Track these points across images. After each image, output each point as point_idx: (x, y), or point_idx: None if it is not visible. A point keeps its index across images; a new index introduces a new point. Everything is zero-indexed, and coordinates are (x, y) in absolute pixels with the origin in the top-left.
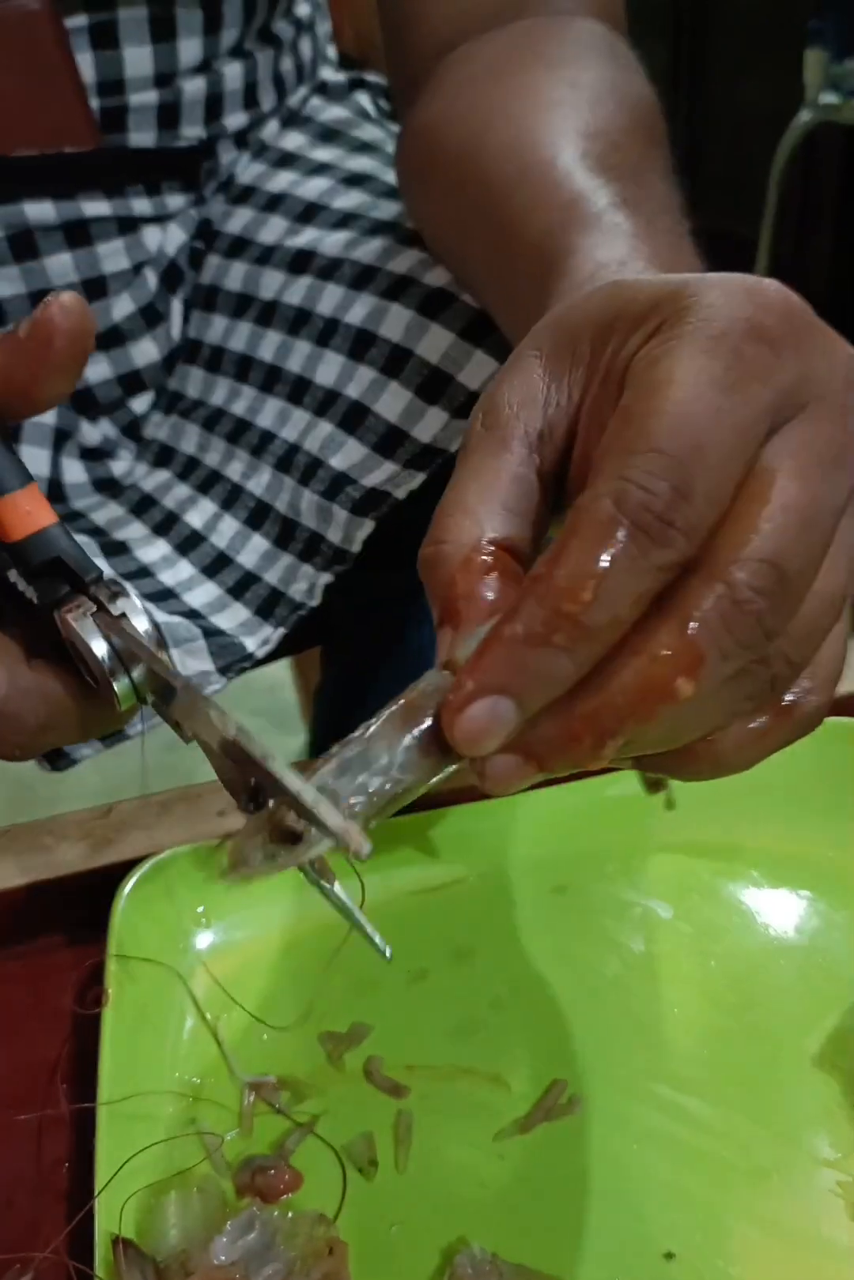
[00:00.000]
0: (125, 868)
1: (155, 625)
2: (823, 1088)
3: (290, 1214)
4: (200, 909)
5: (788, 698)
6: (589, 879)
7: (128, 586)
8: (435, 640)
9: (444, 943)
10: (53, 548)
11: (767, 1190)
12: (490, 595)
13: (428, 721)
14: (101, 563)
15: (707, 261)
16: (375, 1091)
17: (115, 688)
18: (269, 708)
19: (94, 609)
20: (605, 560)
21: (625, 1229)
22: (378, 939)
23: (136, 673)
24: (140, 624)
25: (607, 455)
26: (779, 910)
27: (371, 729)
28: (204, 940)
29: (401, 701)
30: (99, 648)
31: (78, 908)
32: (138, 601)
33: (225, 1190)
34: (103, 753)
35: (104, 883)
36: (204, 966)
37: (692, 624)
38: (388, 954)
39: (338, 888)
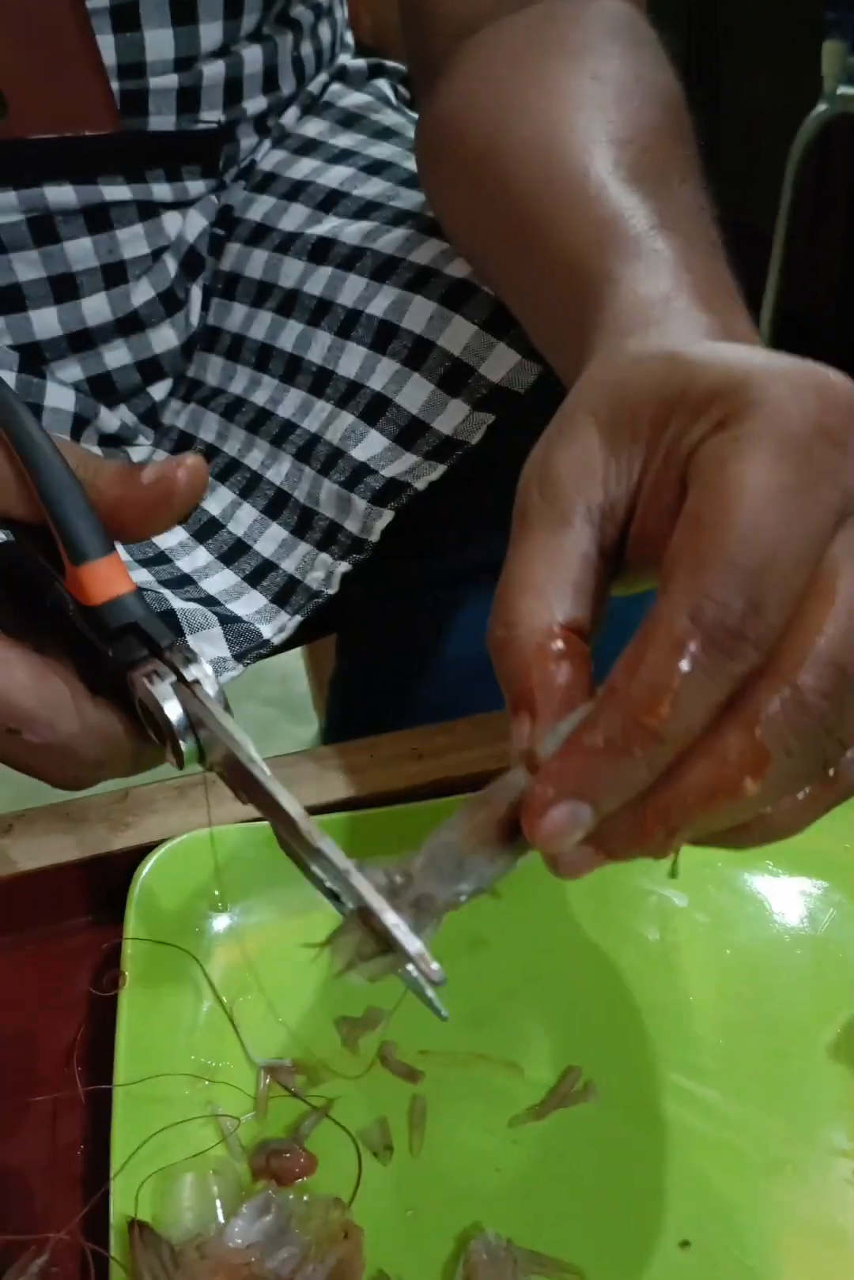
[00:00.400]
0: (142, 851)
1: (222, 692)
2: (838, 1079)
3: (305, 1198)
4: (217, 892)
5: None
6: (605, 868)
7: (200, 654)
8: (448, 633)
9: (459, 931)
10: (129, 614)
11: (782, 1181)
12: (564, 683)
13: (506, 815)
14: (119, 549)
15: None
16: (390, 1076)
17: (183, 748)
18: (282, 697)
19: (171, 676)
20: (682, 674)
21: (640, 1217)
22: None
23: (202, 735)
24: (211, 690)
25: (679, 564)
26: (795, 901)
27: (455, 829)
28: (220, 924)
29: (484, 801)
30: (173, 711)
31: (95, 891)
32: (209, 668)
33: (241, 1173)
34: None
35: (121, 866)
36: (220, 950)
37: (759, 727)
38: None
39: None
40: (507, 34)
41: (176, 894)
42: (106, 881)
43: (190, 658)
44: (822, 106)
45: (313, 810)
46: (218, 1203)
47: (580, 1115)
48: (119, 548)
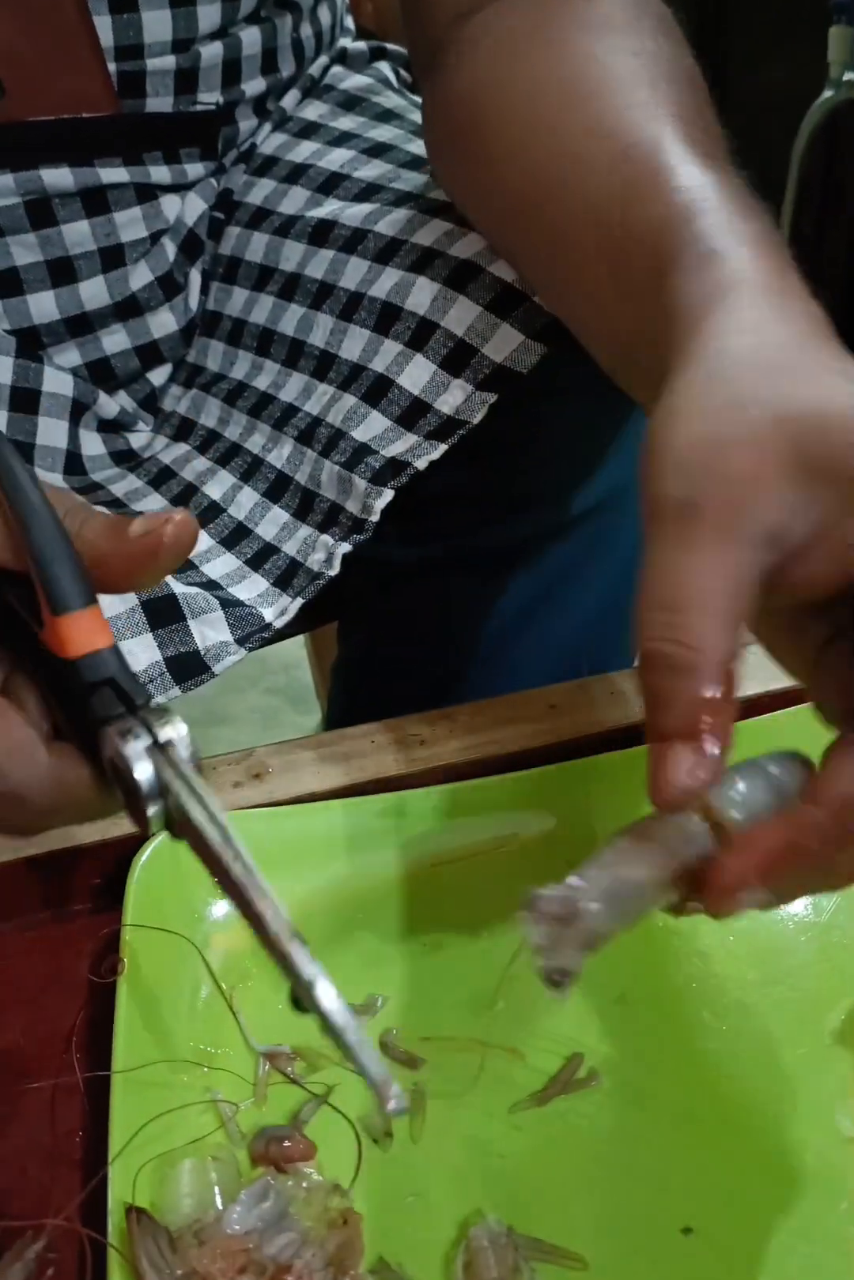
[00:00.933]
0: (142, 839)
1: (196, 754)
2: (843, 1064)
3: (305, 1184)
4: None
5: None
6: None
7: (174, 714)
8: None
9: (461, 915)
10: (106, 668)
11: (784, 1167)
12: (728, 723)
13: (691, 868)
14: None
15: None
16: (391, 1063)
17: (148, 813)
18: (286, 686)
19: (145, 737)
20: None
21: (643, 1203)
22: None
23: (171, 802)
24: (185, 753)
25: None
26: None
27: (635, 867)
28: (219, 910)
29: (661, 844)
30: (143, 773)
31: (94, 879)
32: (184, 729)
33: (240, 1159)
34: None
35: (121, 854)
36: (220, 936)
37: None
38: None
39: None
40: (522, 12)
41: (175, 881)
42: (106, 868)
43: (165, 718)
44: (828, 92)
45: (313, 796)
46: (216, 1189)
47: (583, 1101)
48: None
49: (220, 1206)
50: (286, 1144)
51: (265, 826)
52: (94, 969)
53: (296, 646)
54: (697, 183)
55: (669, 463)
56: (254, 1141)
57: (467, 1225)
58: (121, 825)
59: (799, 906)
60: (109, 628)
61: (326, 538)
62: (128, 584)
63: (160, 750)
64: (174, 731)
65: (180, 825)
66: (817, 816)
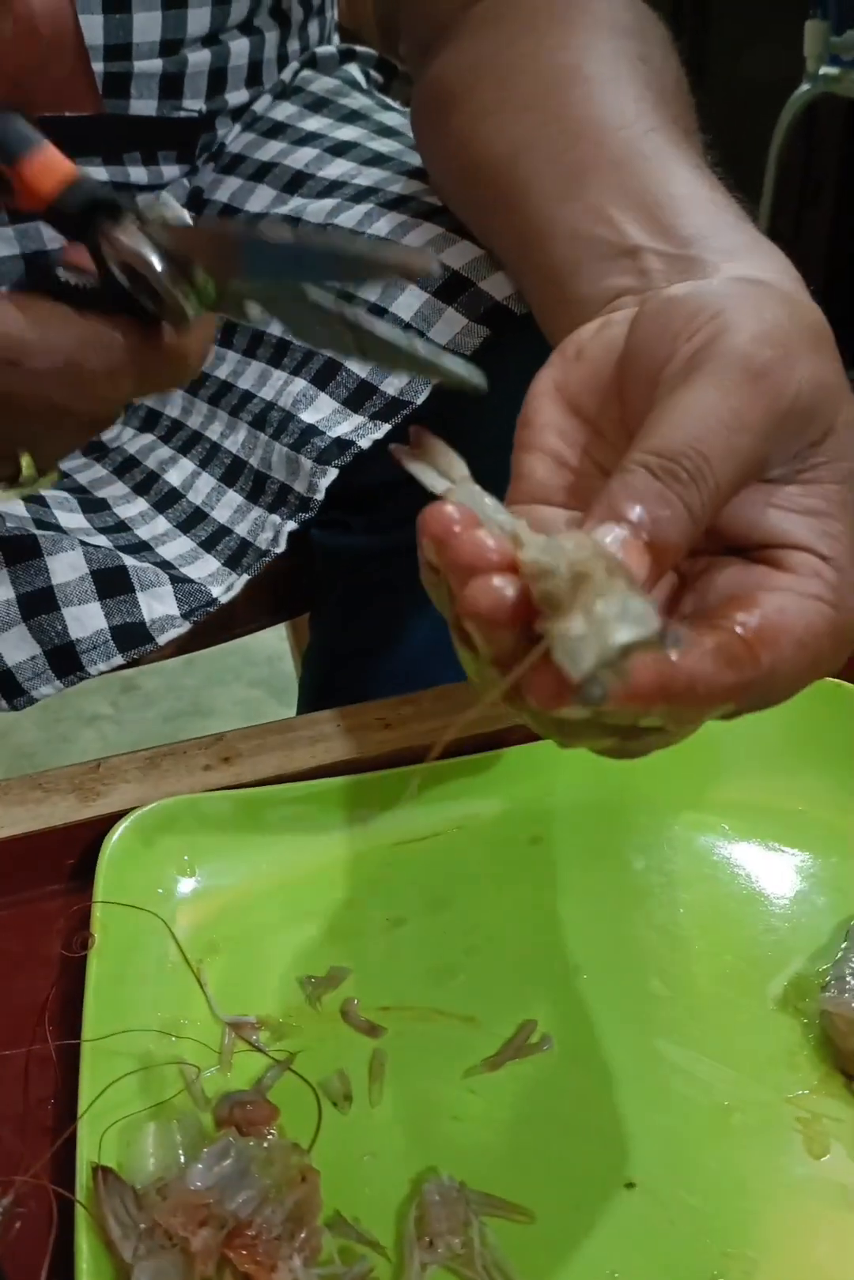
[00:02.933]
0: (113, 819)
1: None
2: (786, 1030)
3: (266, 1143)
4: (186, 857)
5: None
6: (563, 831)
7: (159, 198)
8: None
9: (422, 891)
10: (85, 192)
11: (728, 1125)
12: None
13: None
14: (80, 517)
15: None
16: (352, 1031)
17: (176, 293)
18: (268, 678)
19: (136, 221)
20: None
21: (589, 1160)
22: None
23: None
24: (177, 214)
25: (775, 658)
26: (748, 860)
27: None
28: (188, 886)
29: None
30: (145, 248)
31: (68, 858)
32: (171, 199)
33: (204, 1122)
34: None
35: (93, 834)
36: (188, 912)
37: None
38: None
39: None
40: (528, 4)
41: (145, 859)
42: (78, 849)
43: (151, 205)
44: (805, 86)
45: (280, 779)
46: (180, 1150)
47: (535, 1065)
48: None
49: (184, 1165)
50: (249, 1108)
51: (233, 807)
52: (66, 945)
53: (278, 639)
54: (693, 170)
55: (748, 332)
56: (218, 1106)
57: (420, 1182)
58: (94, 807)
59: (746, 879)
60: (69, 161)
61: (275, 517)
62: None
63: (156, 224)
64: (162, 206)
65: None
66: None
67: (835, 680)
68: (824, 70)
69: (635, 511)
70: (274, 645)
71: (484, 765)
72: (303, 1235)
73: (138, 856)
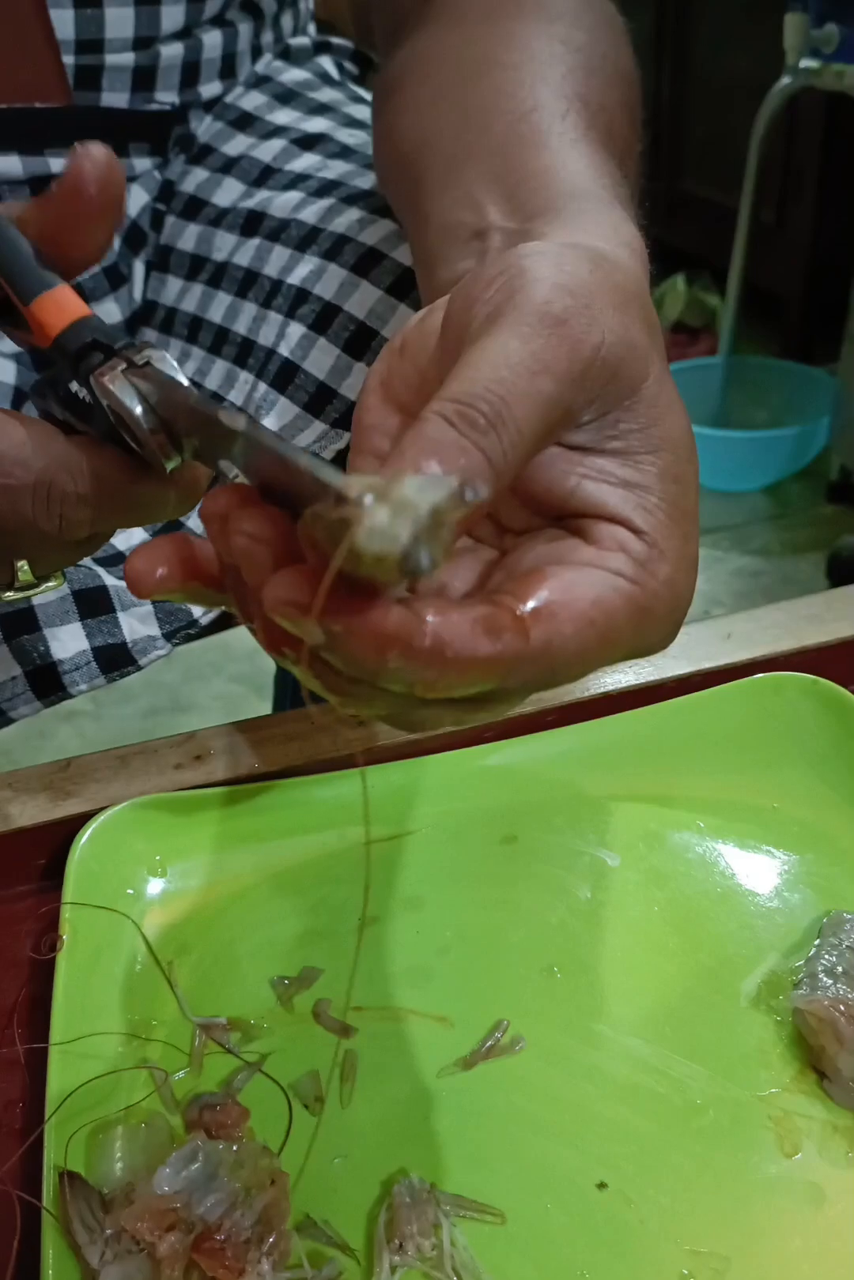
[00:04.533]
0: (84, 819)
1: (193, 381)
2: (758, 1028)
3: (235, 1147)
4: (157, 857)
5: None
6: (538, 829)
7: (153, 343)
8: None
9: (395, 891)
10: (89, 331)
11: (700, 1124)
12: None
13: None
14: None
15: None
16: (323, 1032)
17: (151, 438)
18: (249, 674)
19: (123, 366)
20: (472, 684)
21: (560, 1160)
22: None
23: (168, 417)
24: (169, 370)
25: (553, 635)
26: (722, 858)
27: None
28: (158, 887)
29: None
30: (127, 395)
31: (38, 858)
32: (169, 356)
33: (174, 1126)
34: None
35: (63, 834)
36: (158, 913)
37: None
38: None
39: None
40: None
41: (115, 860)
42: (48, 850)
43: (145, 345)
44: (785, 80)
45: (252, 778)
46: (148, 1153)
47: (507, 1066)
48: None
49: (152, 1170)
50: (219, 1110)
51: (204, 806)
52: (35, 947)
53: None
54: (585, 161)
55: (560, 281)
56: (188, 1108)
57: (391, 1184)
58: (64, 807)
59: (723, 875)
60: (82, 302)
61: None
62: (77, 240)
63: (143, 372)
64: (151, 352)
65: (199, 448)
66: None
67: (811, 676)
68: (804, 63)
69: (431, 465)
70: (254, 640)
71: (458, 765)
72: (272, 1239)
73: (108, 857)
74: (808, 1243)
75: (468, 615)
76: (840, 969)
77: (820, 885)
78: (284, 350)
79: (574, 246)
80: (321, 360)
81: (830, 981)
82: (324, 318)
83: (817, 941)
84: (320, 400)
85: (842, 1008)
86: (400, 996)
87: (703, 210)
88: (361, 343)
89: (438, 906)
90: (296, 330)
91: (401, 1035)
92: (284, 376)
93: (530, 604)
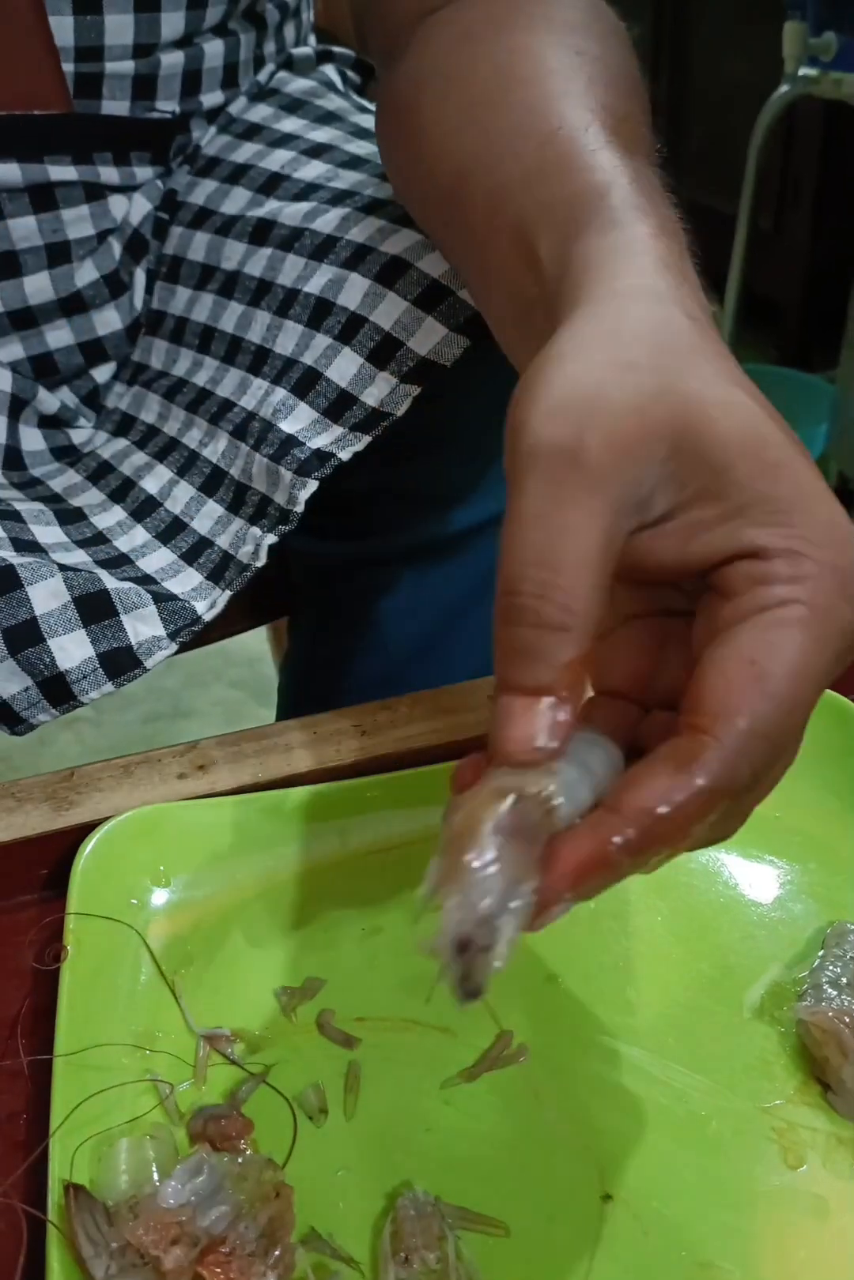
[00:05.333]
0: (87, 829)
1: None
2: (761, 1039)
3: (239, 1159)
4: (161, 868)
5: None
6: None
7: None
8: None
9: (399, 900)
10: None
11: (704, 1136)
12: (583, 687)
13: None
14: (57, 530)
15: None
16: (327, 1043)
17: None
18: (249, 680)
19: None
20: (708, 823)
21: (565, 1173)
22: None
23: None
24: None
25: (733, 714)
26: (724, 868)
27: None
28: (162, 898)
29: (522, 832)
30: None
31: (41, 868)
32: None
33: (177, 1138)
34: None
35: (67, 844)
36: (162, 923)
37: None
38: None
39: None
40: (478, 8)
41: (119, 869)
42: (52, 859)
43: None
44: (783, 87)
45: (256, 787)
46: (153, 1166)
47: (510, 1077)
48: (57, 525)
49: (157, 1183)
50: (223, 1122)
51: (208, 816)
52: (39, 957)
53: (259, 641)
54: (611, 166)
55: (551, 404)
56: (192, 1120)
57: (395, 1196)
58: (67, 817)
59: (727, 886)
60: None
61: (255, 530)
62: None
63: None
64: None
65: None
66: (622, 828)
67: None
68: (803, 72)
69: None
70: (255, 647)
71: None
72: (277, 1252)
73: (111, 867)
74: (813, 1255)
75: (652, 772)
76: (845, 980)
77: (823, 895)
78: (308, 359)
79: (572, 348)
80: (345, 368)
81: (835, 993)
82: (349, 328)
83: (820, 952)
84: (341, 406)
85: (846, 1019)
86: (404, 1007)
87: (701, 217)
88: (386, 353)
89: (438, 916)
90: (322, 341)
91: (405, 1046)
92: (305, 383)
93: (697, 710)
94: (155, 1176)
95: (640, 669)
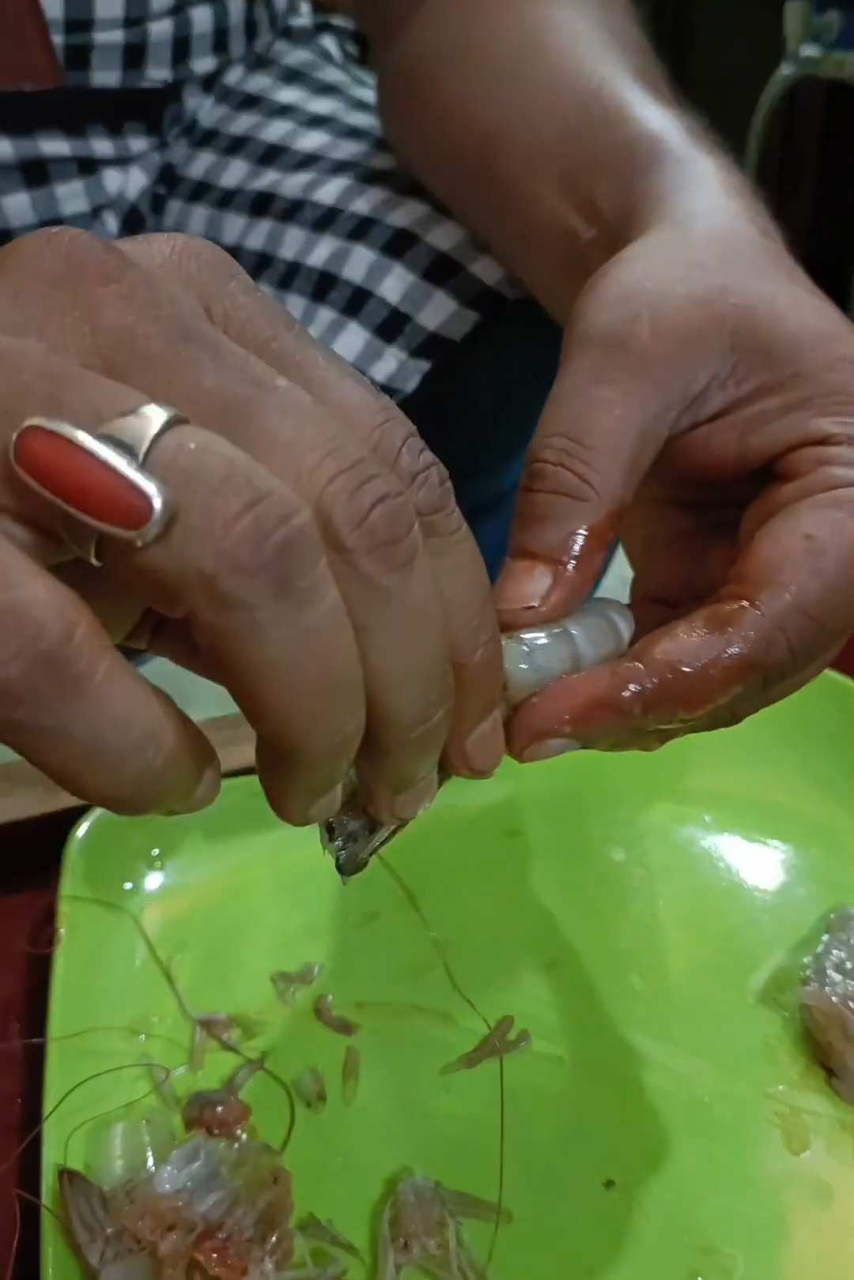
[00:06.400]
0: (80, 812)
1: None
2: (765, 1024)
3: (237, 1145)
4: (155, 852)
5: None
6: (542, 824)
7: None
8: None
9: (396, 885)
10: None
11: (706, 1121)
12: (596, 568)
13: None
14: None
15: None
16: (325, 1028)
17: None
18: None
19: None
20: (736, 692)
21: (566, 1158)
22: None
23: None
24: None
25: (781, 587)
26: (728, 853)
27: None
28: (157, 881)
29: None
30: None
31: (34, 852)
32: None
33: (174, 1123)
34: None
35: (60, 826)
36: (157, 907)
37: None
38: None
39: None
40: None
41: (113, 854)
42: (46, 842)
43: None
44: (785, 68)
45: (252, 771)
46: (149, 1151)
47: (511, 1063)
48: None
49: (153, 1168)
50: (220, 1108)
51: None
52: (32, 941)
53: None
54: (662, 117)
55: (610, 296)
56: (188, 1106)
57: (395, 1182)
58: (61, 799)
59: (729, 871)
60: None
61: None
62: None
63: None
64: None
65: None
66: (643, 677)
67: None
68: (805, 51)
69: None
70: None
71: None
72: (274, 1238)
73: (106, 851)
74: (816, 1240)
75: (686, 628)
76: (849, 964)
77: (826, 879)
78: (312, 334)
79: (640, 251)
80: (351, 343)
81: (839, 977)
82: (354, 302)
83: (825, 937)
84: None
85: (851, 1004)
86: (402, 992)
87: None
88: (395, 328)
89: (440, 901)
90: (327, 314)
91: (404, 1032)
92: None
93: (741, 576)
94: (150, 1162)
95: (681, 574)
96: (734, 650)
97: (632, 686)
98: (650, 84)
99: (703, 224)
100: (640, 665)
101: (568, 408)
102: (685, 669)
